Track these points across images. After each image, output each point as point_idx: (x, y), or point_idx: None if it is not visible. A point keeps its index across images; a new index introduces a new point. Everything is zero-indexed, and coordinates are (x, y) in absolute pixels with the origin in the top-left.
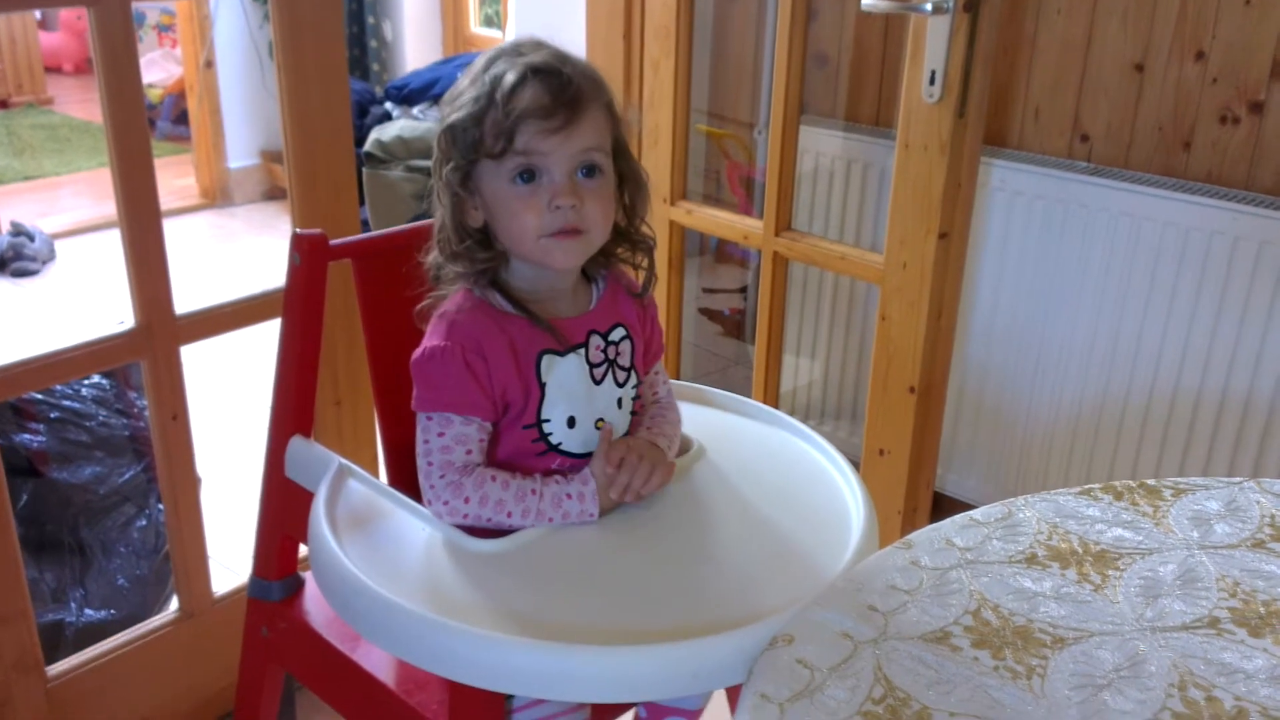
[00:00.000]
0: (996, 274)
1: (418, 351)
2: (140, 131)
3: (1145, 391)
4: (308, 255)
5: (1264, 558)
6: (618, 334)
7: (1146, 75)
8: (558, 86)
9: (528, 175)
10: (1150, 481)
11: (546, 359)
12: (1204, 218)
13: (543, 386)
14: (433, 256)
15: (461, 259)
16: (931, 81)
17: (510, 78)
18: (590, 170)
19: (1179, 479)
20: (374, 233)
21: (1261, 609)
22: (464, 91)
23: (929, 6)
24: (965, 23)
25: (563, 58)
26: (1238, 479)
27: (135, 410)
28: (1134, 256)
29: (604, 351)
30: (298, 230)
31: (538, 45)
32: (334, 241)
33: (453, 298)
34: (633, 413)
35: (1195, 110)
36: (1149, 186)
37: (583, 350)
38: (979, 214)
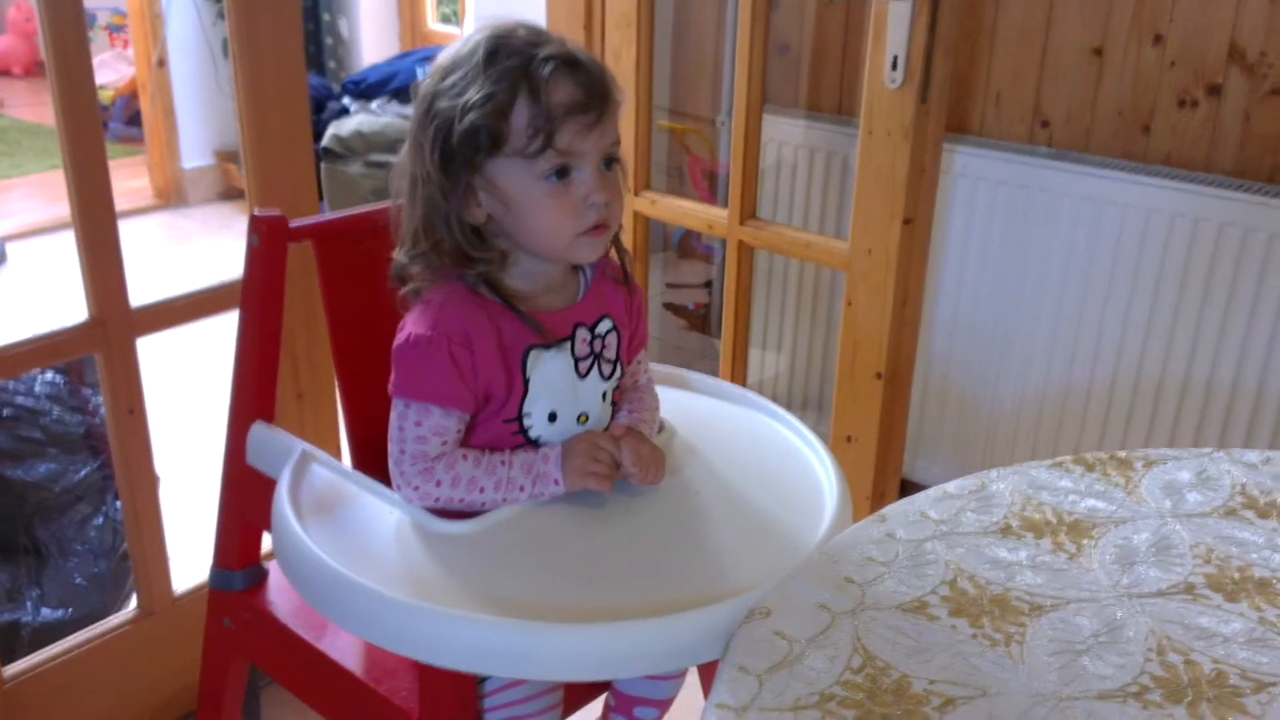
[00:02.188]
0: (960, 259)
1: (400, 337)
2: (91, 111)
3: (1110, 373)
4: (266, 236)
5: (1237, 525)
6: (604, 326)
7: (1105, 60)
8: (587, 81)
9: (561, 172)
10: (1120, 453)
11: (533, 354)
12: (1164, 200)
13: (526, 381)
14: (403, 253)
15: (456, 256)
16: (894, 67)
17: (543, 71)
18: (609, 161)
19: (1149, 450)
20: (336, 214)
21: (1236, 574)
22: (468, 82)
23: None
24: (926, 7)
25: (570, 45)
26: (1207, 450)
27: (90, 407)
28: (1096, 239)
29: (590, 345)
30: (256, 211)
31: (537, 32)
32: (294, 223)
33: (440, 285)
34: (612, 403)
35: (1154, 94)
36: (1110, 170)
37: (568, 344)
38: (942, 200)
